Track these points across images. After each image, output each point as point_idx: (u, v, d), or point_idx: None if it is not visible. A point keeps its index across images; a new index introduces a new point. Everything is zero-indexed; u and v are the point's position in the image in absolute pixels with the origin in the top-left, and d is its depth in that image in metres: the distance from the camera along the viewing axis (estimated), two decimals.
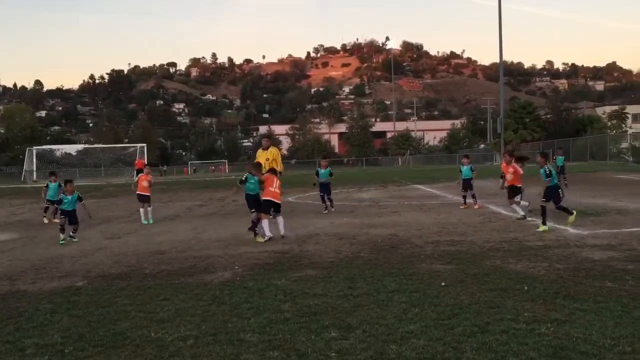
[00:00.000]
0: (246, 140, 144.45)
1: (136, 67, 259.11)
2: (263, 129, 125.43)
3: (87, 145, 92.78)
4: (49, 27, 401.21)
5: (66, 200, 11.33)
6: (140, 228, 13.57)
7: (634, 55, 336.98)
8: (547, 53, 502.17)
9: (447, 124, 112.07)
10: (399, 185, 27.77)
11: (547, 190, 10.57)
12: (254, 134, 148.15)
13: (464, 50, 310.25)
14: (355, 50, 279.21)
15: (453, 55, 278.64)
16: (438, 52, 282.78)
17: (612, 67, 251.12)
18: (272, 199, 10.85)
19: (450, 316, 5.17)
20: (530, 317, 5.04)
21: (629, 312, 5.09)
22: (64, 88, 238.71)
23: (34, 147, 64.63)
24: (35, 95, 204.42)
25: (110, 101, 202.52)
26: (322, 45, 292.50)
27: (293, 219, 13.60)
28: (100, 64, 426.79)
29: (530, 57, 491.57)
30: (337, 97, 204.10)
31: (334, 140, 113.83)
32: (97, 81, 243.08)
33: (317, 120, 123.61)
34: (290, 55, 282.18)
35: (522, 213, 12.20)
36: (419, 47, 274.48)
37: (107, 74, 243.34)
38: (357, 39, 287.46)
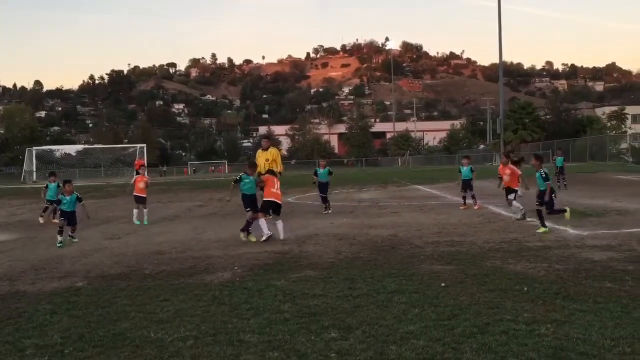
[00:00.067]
0: (246, 141, 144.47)
1: (136, 67, 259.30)
2: (263, 130, 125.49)
3: (86, 146, 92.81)
4: (49, 27, 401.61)
5: (65, 201, 11.31)
6: (140, 229, 13.57)
7: (634, 56, 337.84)
8: (546, 54, 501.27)
9: (446, 124, 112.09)
10: (398, 186, 27.78)
11: (542, 194, 10.52)
12: (254, 135, 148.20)
13: (463, 51, 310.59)
14: (354, 50, 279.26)
15: (453, 55, 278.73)
16: (438, 53, 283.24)
17: (612, 67, 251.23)
18: (274, 200, 10.81)
19: (450, 317, 5.17)
20: (530, 317, 5.04)
21: (629, 313, 5.09)
22: (63, 88, 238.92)
23: (34, 148, 64.66)
24: (35, 96, 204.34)
25: (110, 101, 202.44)
26: (321, 46, 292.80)
27: (293, 219, 13.61)
28: (100, 64, 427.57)
29: (530, 57, 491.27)
30: (336, 97, 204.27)
31: (334, 141, 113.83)
32: (96, 81, 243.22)
33: (317, 120, 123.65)
34: (289, 56, 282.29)
35: (520, 214, 12.18)
36: (418, 48, 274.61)
37: (106, 74, 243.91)
38: (357, 40, 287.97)
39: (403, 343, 4.51)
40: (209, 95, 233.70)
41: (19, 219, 17.25)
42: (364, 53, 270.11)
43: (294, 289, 6.54)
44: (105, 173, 68.17)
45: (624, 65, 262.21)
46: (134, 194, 14.96)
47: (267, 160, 13.93)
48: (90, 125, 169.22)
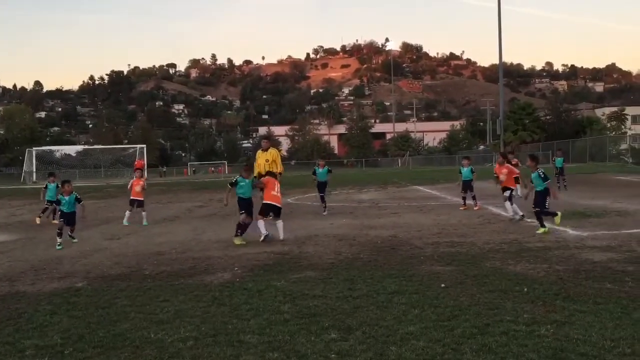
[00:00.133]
0: (246, 141, 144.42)
1: (136, 68, 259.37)
2: (262, 130, 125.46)
3: (86, 146, 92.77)
4: (49, 27, 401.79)
5: (64, 201, 11.31)
6: (139, 229, 13.56)
7: (634, 57, 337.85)
8: (546, 54, 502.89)
9: (446, 125, 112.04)
10: (398, 187, 27.79)
11: (538, 195, 10.50)
12: (254, 135, 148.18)
13: (463, 52, 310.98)
14: (354, 51, 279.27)
15: (452, 56, 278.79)
16: (438, 54, 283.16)
17: (612, 68, 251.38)
18: (274, 203, 10.73)
19: (450, 317, 5.17)
20: (530, 318, 5.04)
21: (629, 314, 5.09)
22: (63, 89, 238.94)
23: (34, 148, 64.67)
24: (35, 96, 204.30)
25: (109, 102, 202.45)
26: (321, 47, 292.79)
27: (292, 220, 13.61)
28: (99, 64, 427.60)
29: (530, 58, 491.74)
30: (336, 98, 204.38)
31: (334, 142, 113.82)
32: (96, 82, 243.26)
33: (317, 121, 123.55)
34: (289, 57, 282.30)
35: (518, 214, 12.19)
36: (418, 49, 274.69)
37: (106, 74, 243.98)
38: (357, 40, 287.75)
39: (403, 344, 4.51)
40: (208, 96, 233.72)
41: (19, 220, 17.24)
42: (364, 54, 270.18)
43: (294, 289, 6.54)
44: (105, 174, 68.19)
45: (623, 66, 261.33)
46: (131, 197, 14.86)
47: (267, 160, 13.93)
48: (90, 125, 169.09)
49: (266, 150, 14.26)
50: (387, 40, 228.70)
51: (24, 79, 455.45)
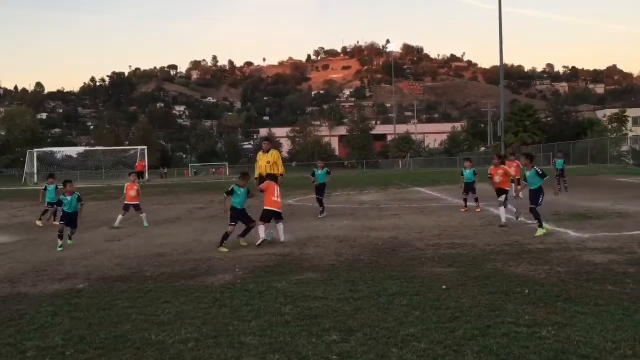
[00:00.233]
0: (246, 143, 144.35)
1: (137, 69, 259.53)
2: (263, 132, 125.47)
3: (87, 148, 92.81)
4: (50, 28, 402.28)
5: (66, 201, 11.31)
6: (140, 230, 13.57)
7: (634, 58, 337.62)
8: (547, 56, 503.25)
9: (447, 126, 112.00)
10: (399, 188, 27.78)
11: (532, 193, 10.50)
12: (255, 137, 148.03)
13: (464, 53, 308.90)
14: (355, 52, 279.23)
15: (453, 58, 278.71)
16: (438, 55, 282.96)
17: (612, 70, 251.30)
18: (274, 209, 10.64)
19: (451, 319, 5.17)
20: (531, 320, 5.04)
21: (630, 316, 5.09)
22: (64, 90, 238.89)
23: (35, 150, 64.56)
24: (36, 98, 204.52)
25: (110, 103, 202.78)
26: (322, 48, 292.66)
27: (293, 221, 13.61)
28: (101, 66, 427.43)
29: (531, 60, 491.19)
30: (337, 99, 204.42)
31: (334, 143, 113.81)
32: (97, 83, 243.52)
33: (318, 122, 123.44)
34: (290, 58, 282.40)
35: (518, 214, 12.17)
36: (419, 50, 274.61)
37: (107, 76, 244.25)
38: (358, 42, 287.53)
39: (404, 345, 4.51)
40: (209, 97, 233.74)
41: (19, 221, 17.25)
42: (365, 55, 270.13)
43: (295, 291, 6.54)
44: (106, 175, 68.10)
45: (624, 67, 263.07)
46: (125, 202, 14.79)
47: (268, 162, 13.91)
48: (91, 127, 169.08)
49: (267, 151, 14.24)
50: (387, 41, 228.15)
51: (25, 80, 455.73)
